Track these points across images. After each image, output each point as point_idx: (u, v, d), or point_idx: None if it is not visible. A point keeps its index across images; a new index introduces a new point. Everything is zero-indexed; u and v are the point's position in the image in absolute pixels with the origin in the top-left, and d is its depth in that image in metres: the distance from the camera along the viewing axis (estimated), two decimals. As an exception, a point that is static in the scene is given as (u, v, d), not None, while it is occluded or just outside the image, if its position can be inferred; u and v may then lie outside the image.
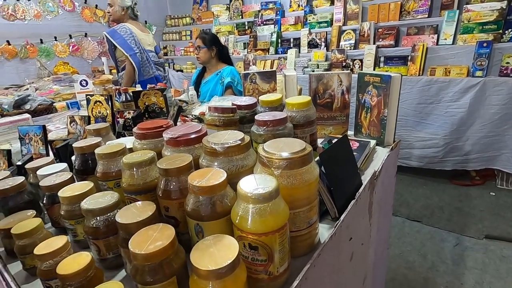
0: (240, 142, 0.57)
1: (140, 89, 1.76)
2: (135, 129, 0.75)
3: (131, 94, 1.43)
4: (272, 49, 3.56)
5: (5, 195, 0.67)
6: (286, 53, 3.37)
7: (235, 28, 4.05)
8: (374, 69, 2.79)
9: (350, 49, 3.00)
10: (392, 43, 2.78)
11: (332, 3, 3.24)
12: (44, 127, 1.12)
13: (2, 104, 1.70)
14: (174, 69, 4.63)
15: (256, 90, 1.34)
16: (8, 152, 1.02)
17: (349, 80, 1.13)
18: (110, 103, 1.30)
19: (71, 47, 3.99)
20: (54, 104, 1.87)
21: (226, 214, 0.48)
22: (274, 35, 3.52)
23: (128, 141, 0.82)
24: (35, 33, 3.67)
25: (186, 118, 1.63)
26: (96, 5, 4.16)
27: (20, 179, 0.70)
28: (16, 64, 3.56)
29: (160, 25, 5.02)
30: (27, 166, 0.78)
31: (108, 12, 2.43)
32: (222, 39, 3.88)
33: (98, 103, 1.33)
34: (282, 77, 1.33)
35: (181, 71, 4.47)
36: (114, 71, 3.79)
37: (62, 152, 0.99)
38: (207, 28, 4.39)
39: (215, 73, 2.40)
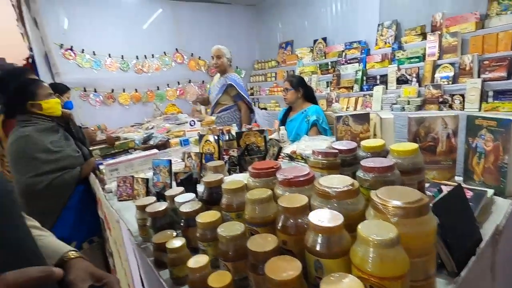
0: (351, 187, 0.63)
1: (237, 129, 2.00)
2: (250, 168, 0.89)
3: (233, 134, 1.65)
4: (356, 87, 3.56)
5: (155, 216, 0.86)
6: (372, 90, 3.32)
7: (318, 68, 4.23)
8: (480, 105, 2.49)
9: (448, 84, 2.76)
10: (504, 75, 2.45)
11: (424, 37, 3.11)
12: (170, 161, 1.40)
13: (135, 140, 2.18)
14: (259, 107, 5.04)
15: (349, 132, 1.38)
16: (147, 180, 1.31)
17: (456, 123, 1.07)
18: (217, 142, 1.53)
19: (178, 91, 4.83)
20: (169, 140, 2.28)
21: (344, 253, 0.53)
22: (359, 73, 3.53)
23: (241, 178, 0.96)
24: (154, 82, 4.60)
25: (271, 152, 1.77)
26: (199, 57, 4.99)
27: (165, 204, 0.90)
28: (139, 106, 4.49)
29: (249, 69, 5.63)
30: (166, 193, 0.99)
31: (215, 64, 2.85)
32: (305, 79, 4.08)
33: (207, 141, 1.59)
34: (377, 118, 1.34)
35: (265, 109, 4.83)
36: (209, 110, 4.39)
37: (185, 183, 1.21)
38: (291, 69, 4.71)
39: (300, 111, 2.54)
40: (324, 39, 4.35)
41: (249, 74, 5.61)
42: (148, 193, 1.30)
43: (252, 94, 5.38)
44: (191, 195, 0.95)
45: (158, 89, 4.64)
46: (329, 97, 3.74)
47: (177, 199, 0.92)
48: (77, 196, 1.86)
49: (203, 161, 1.47)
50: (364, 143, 0.87)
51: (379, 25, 3.63)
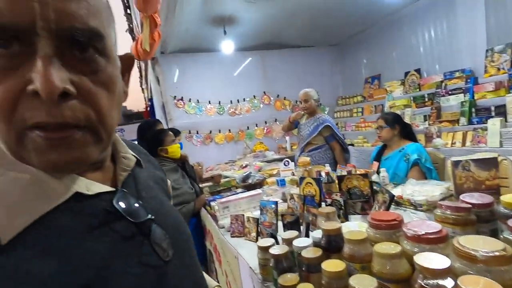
0: (505, 253, 0.58)
1: (336, 172, 2.01)
2: (369, 219, 0.90)
3: (332, 176, 1.67)
4: (463, 120, 3.16)
5: (278, 259, 0.94)
6: (485, 123, 2.89)
7: (412, 101, 3.94)
8: None
9: None
10: None
11: (555, 60, 2.61)
12: (276, 203, 1.50)
13: (236, 179, 2.42)
14: (345, 143, 4.92)
15: (471, 178, 1.25)
16: (257, 220, 1.44)
17: None
18: (319, 185, 1.58)
19: (265, 130, 5.17)
20: (266, 180, 2.44)
21: (509, 331, 0.49)
22: (466, 104, 3.14)
23: (356, 226, 0.98)
24: (245, 122, 5.06)
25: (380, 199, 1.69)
26: (285, 97, 5.31)
27: (286, 247, 0.97)
28: (232, 145, 4.96)
29: (332, 105, 5.64)
30: (283, 236, 1.07)
31: (304, 107, 3.01)
32: (397, 113, 3.84)
33: (308, 184, 1.65)
34: (508, 164, 1.18)
35: (352, 145, 4.67)
36: (294, 147, 4.52)
37: (293, 225, 1.28)
38: (379, 104, 4.52)
39: (397, 150, 2.39)
40: (418, 70, 4.08)
41: (333, 110, 5.60)
42: (258, 232, 1.41)
43: (336, 130, 5.31)
44: (308, 240, 1.00)
45: (248, 128, 5.07)
46: (429, 132, 3.41)
47: (295, 243, 0.99)
48: (190, 228, 2.14)
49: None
50: (506, 198, 0.79)
51: (487, 50, 3.23)
